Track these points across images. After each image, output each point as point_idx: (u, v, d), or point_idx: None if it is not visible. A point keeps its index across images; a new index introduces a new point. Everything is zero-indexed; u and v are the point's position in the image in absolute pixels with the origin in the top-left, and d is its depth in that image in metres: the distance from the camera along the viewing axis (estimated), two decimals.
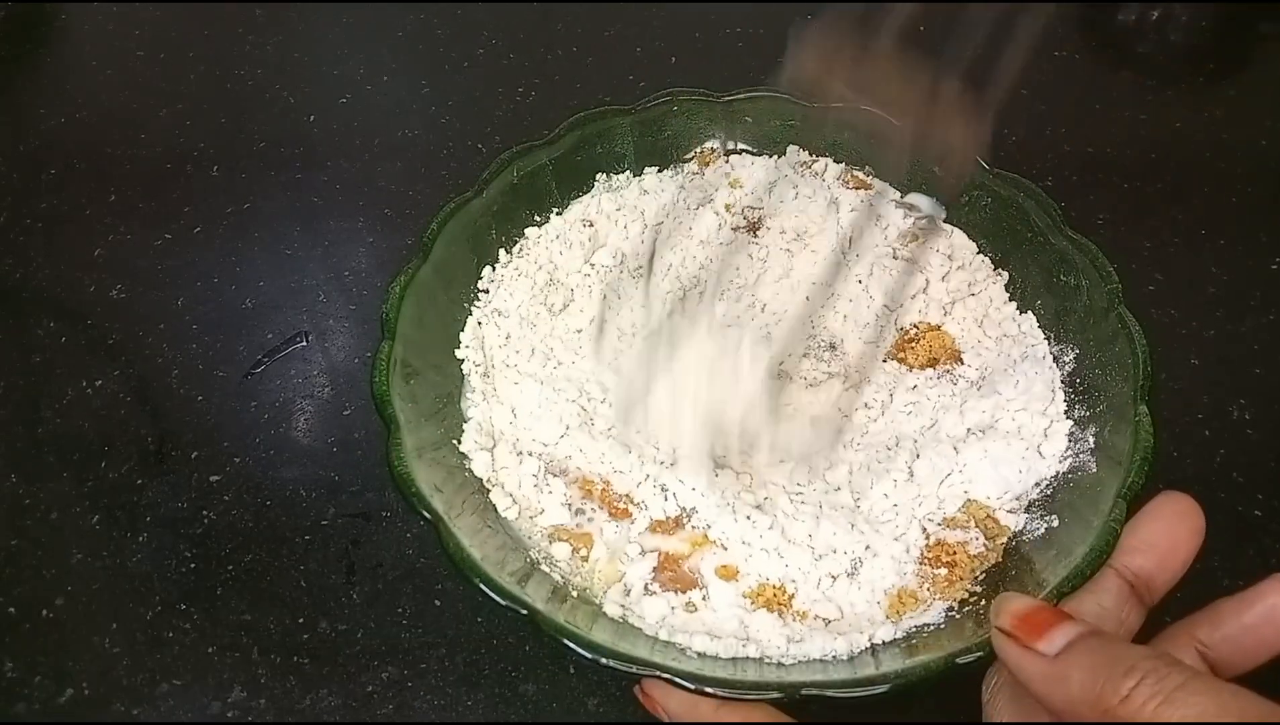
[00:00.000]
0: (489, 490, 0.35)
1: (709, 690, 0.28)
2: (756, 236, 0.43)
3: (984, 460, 0.36)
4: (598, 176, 0.44)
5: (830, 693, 0.28)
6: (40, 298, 0.46)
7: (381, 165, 0.52)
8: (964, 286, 0.41)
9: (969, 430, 0.37)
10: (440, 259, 0.38)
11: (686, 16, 0.60)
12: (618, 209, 0.43)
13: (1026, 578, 0.32)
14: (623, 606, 0.32)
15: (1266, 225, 0.49)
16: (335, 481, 0.40)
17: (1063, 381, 0.37)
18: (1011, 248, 0.41)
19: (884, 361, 0.40)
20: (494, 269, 0.41)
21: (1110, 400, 0.35)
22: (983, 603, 0.32)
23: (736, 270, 0.40)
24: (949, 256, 0.42)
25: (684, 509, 0.35)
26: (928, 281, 0.41)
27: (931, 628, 0.32)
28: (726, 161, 0.45)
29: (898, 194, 0.44)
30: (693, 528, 0.35)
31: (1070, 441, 0.36)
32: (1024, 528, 0.34)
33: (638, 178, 0.45)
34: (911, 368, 0.39)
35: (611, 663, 0.28)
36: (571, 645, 0.29)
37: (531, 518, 0.35)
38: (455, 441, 0.36)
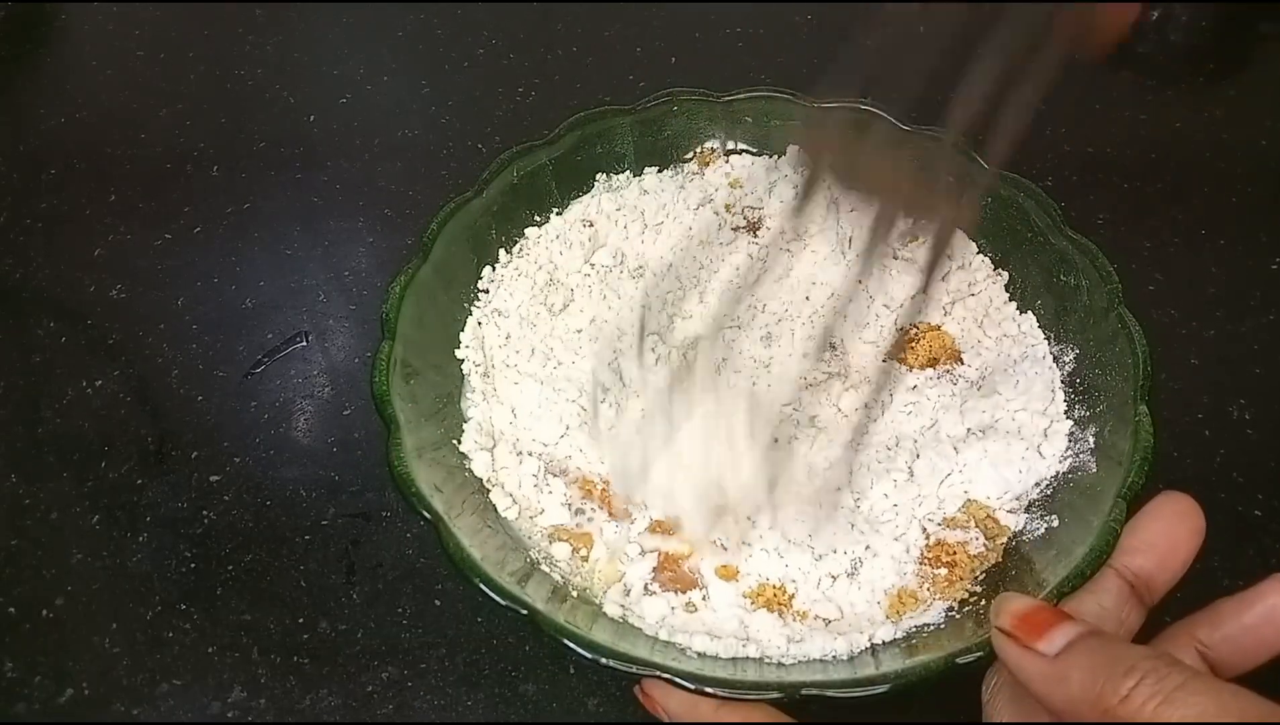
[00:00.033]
0: (489, 490, 0.35)
1: (709, 690, 0.28)
2: (756, 236, 0.43)
3: (984, 460, 0.36)
4: (598, 176, 0.44)
5: (830, 693, 0.28)
6: (40, 298, 0.46)
7: (381, 165, 0.52)
8: (964, 286, 0.41)
9: (969, 430, 0.37)
10: (440, 259, 0.38)
11: (686, 16, 0.60)
12: (618, 209, 0.43)
13: (1026, 578, 0.32)
14: (623, 606, 0.32)
15: (1266, 225, 0.49)
16: (335, 481, 0.40)
17: (1063, 381, 0.37)
18: (1011, 248, 0.41)
19: (883, 362, 0.39)
20: (494, 269, 0.41)
21: (1110, 400, 0.35)
22: (983, 603, 0.32)
23: (737, 294, 0.39)
24: (949, 256, 0.42)
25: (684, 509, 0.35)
26: (927, 281, 0.41)
27: (931, 628, 0.32)
28: (726, 161, 0.45)
29: None
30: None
31: (1070, 441, 0.36)
32: (1024, 528, 0.34)
33: (638, 178, 0.45)
34: (911, 368, 0.39)
35: (611, 663, 0.28)
36: (571, 645, 0.29)
37: (531, 518, 0.35)
38: (455, 441, 0.36)
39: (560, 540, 0.34)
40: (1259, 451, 0.41)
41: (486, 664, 0.35)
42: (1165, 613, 0.30)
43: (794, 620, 0.33)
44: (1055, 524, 0.33)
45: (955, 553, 0.34)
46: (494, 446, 0.37)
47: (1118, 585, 0.29)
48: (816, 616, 0.33)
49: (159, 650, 0.36)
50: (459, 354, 0.39)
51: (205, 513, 0.39)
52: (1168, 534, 0.30)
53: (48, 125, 0.54)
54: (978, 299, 0.41)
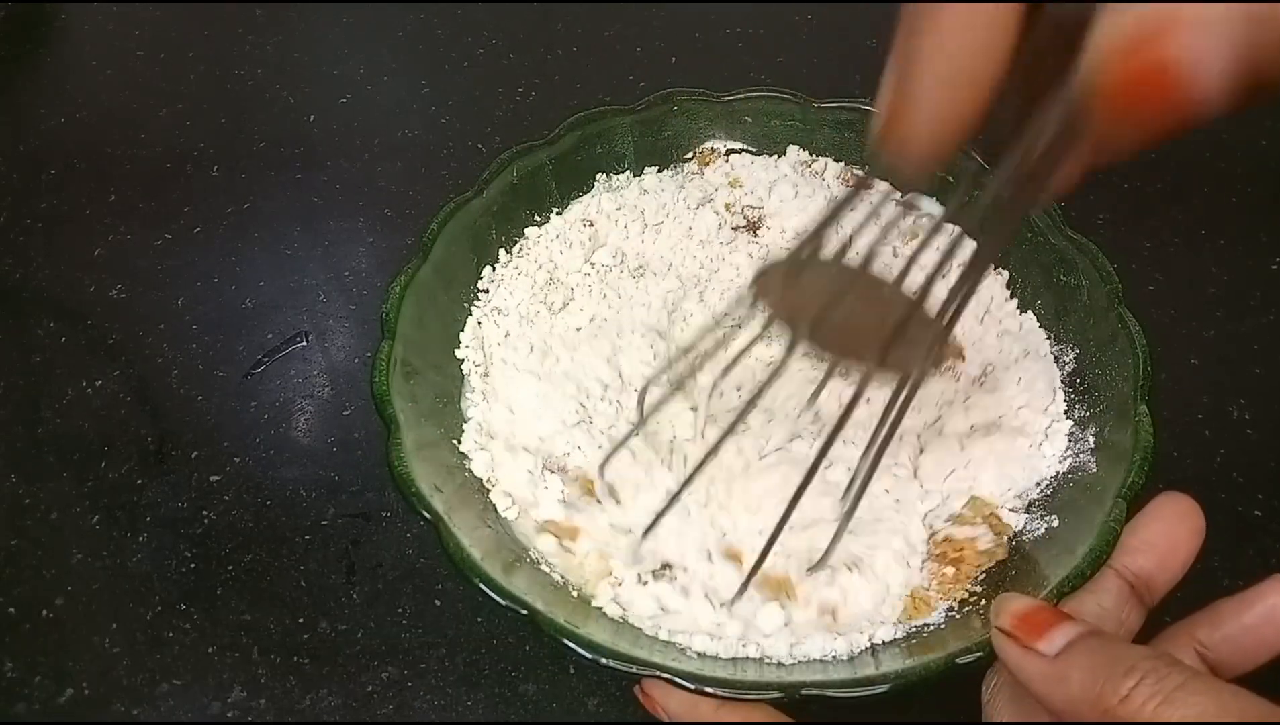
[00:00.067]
0: (489, 490, 0.35)
1: (709, 690, 0.28)
2: (756, 236, 0.43)
3: (989, 457, 0.36)
4: (598, 176, 0.44)
5: (830, 693, 0.28)
6: (40, 298, 0.46)
7: (381, 165, 0.52)
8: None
9: (973, 427, 0.37)
10: (440, 259, 0.38)
11: (686, 16, 0.60)
12: (618, 209, 0.43)
13: (1027, 577, 0.32)
14: (616, 600, 0.32)
15: (1266, 225, 0.49)
16: (335, 481, 0.40)
17: (1063, 381, 0.37)
18: (1011, 247, 0.41)
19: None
20: (494, 269, 0.41)
21: (1110, 400, 0.35)
22: (983, 602, 0.32)
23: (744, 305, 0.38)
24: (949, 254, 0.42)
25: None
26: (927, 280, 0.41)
27: (932, 627, 0.32)
28: (726, 161, 0.45)
29: (898, 193, 0.44)
30: None
31: (1070, 441, 0.36)
32: (1024, 527, 0.34)
33: (638, 178, 0.45)
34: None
35: (611, 663, 0.28)
36: (571, 645, 0.29)
37: (530, 514, 0.35)
38: (455, 441, 0.36)
39: (546, 533, 0.34)
40: (1259, 451, 0.41)
41: (486, 664, 0.35)
42: (1165, 613, 0.30)
43: (798, 611, 0.32)
44: (1055, 524, 0.33)
45: (963, 548, 0.34)
46: (494, 446, 0.36)
47: (1118, 585, 0.29)
48: (821, 610, 0.32)
49: (159, 650, 0.36)
50: (459, 354, 0.39)
51: (205, 513, 0.39)
52: (1168, 534, 0.30)
53: (48, 125, 0.54)
54: (978, 296, 0.41)
